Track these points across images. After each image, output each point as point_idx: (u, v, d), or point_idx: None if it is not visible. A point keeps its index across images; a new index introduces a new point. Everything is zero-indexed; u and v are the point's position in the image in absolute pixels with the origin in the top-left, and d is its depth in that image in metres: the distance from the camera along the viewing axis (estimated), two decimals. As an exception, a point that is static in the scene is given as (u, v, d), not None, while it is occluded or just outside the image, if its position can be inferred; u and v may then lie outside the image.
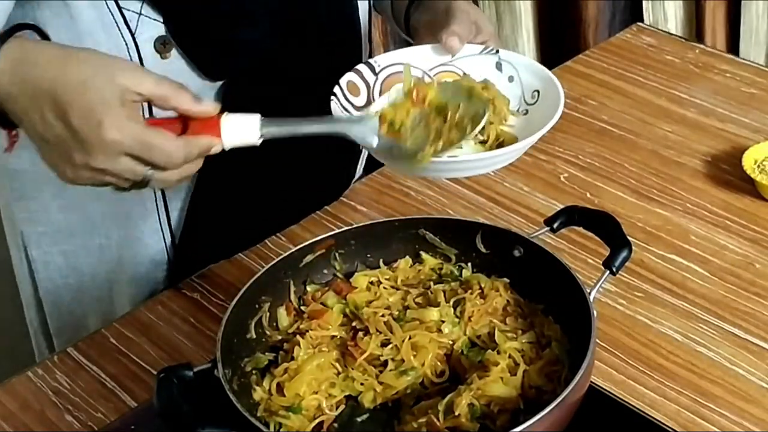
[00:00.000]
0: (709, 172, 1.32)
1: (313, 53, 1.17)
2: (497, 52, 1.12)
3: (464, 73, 1.11)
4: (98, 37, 1.07)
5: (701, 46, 1.62)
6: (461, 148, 1.02)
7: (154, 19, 1.09)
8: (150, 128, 0.86)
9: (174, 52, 1.10)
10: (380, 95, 1.09)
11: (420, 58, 1.13)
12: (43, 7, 1.06)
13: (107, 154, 0.85)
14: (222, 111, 0.90)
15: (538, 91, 1.09)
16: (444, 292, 0.97)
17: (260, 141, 0.90)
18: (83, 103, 0.84)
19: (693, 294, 1.13)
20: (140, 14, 1.08)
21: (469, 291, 0.97)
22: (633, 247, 0.95)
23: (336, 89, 1.06)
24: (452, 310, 0.96)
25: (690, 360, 1.06)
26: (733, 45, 2.14)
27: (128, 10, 1.07)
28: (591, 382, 0.89)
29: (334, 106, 1.04)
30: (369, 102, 1.08)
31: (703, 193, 1.29)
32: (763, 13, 2.10)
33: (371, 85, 1.10)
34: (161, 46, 1.09)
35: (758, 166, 1.27)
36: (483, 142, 1.04)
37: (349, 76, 1.08)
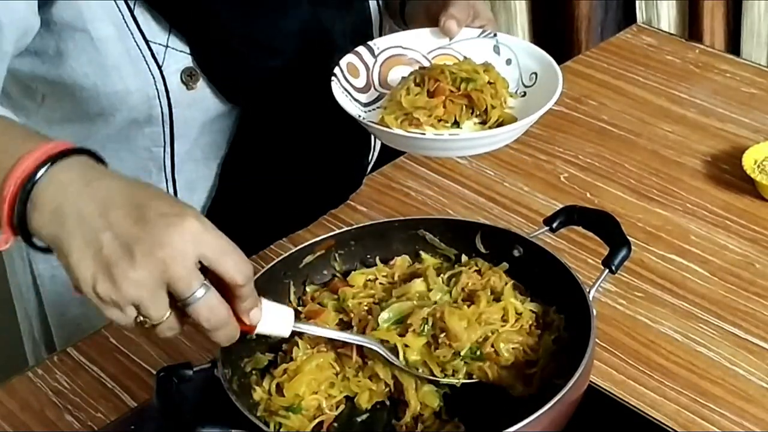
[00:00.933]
0: (709, 172, 1.32)
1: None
2: (495, 35, 1.13)
3: (464, 57, 1.12)
4: (125, 71, 1.07)
5: (701, 46, 1.62)
6: (460, 128, 1.04)
7: (181, 51, 1.09)
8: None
9: (200, 82, 1.10)
10: (379, 77, 1.10)
11: (418, 41, 1.14)
12: (66, 39, 1.04)
13: (177, 249, 0.72)
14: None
15: (535, 74, 1.10)
16: (436, 269, 0.97)
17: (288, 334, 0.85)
18: (164, 200, 0.75)
19: (693, 294, 1.13)
20: (167, 47, 1.08)
21: (467, 267, 0.97)
22: (633, 247, 0.95)
23: (336, 70, 1.07)
24: (441, 280, 0.95)
25: (690, 360, 1.06)
26: (733, 45, 2.14)
27: (155, 43, 1.07)
28: (591, 382, 0.89)
29: (335, 86, 1.05)
30: (368, 84, 1.09)
31: (703, 193, 1.28)
32: (765, 14, 2.09)
33: (370, 67, 1.11)
34: (188, 78, 1.09)
35: (758, 166, 1.27)
36: (483, 123, 1.05)
37: (348, 58, 1.10)
